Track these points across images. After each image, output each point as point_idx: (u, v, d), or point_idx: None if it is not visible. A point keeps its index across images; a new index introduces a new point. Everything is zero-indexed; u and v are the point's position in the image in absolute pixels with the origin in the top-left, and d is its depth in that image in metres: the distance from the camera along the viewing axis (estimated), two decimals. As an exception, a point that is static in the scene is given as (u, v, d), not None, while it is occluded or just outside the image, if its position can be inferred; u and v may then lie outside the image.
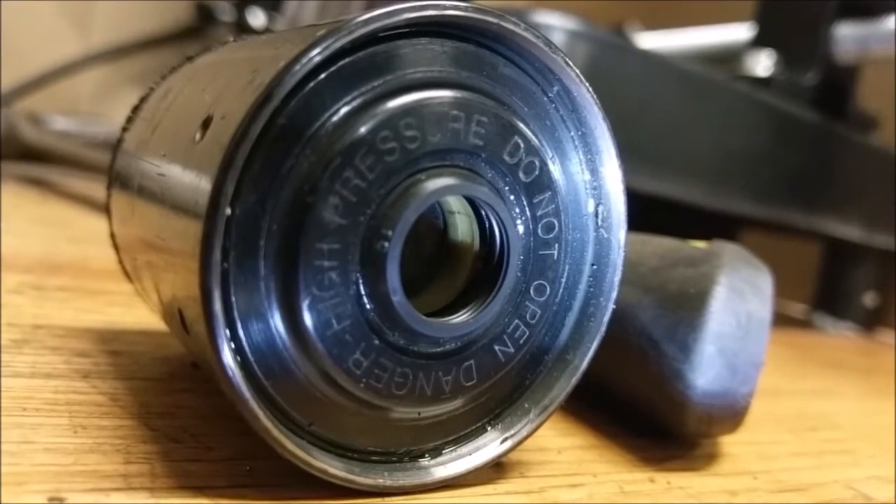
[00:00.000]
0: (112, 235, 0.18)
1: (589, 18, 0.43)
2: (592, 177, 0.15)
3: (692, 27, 0.56)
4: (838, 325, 0.54)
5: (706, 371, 0.17)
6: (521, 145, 0.13)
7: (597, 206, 0.15)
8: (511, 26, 0.13)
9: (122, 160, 0.16)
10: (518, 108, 0.13)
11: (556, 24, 0.34)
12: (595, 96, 0.14)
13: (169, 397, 0.15)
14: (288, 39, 0.13)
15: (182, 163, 0.12)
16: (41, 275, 0.24)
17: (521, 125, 0.13)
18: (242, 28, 0.82)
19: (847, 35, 0.45)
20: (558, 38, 0.34)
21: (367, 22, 0.11)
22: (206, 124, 0.12)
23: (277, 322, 0.12)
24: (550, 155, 0.14)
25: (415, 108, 0.12)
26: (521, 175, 0.13)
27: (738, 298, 0.17)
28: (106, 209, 0.18)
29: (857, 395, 0.32)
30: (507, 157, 0.13)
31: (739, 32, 0.51)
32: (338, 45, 0.11)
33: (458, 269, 0.14)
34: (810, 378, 0.34)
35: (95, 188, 0.50)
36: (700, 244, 0.19)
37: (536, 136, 0.13)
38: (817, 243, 0.56)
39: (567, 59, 0.13)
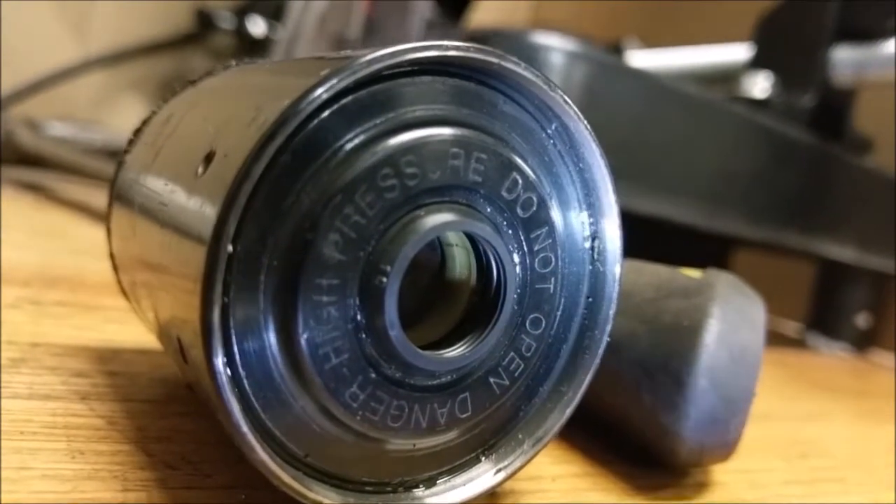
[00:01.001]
0: (111, 255, 0.18)
1: (587, 36, 0.44)
2: (589, 212, 0.15)
3: (690, 45, 0.57)
4: (831, 345, 0.54)
5: (699, 403, 0.17)
6: (520, 181, 0.13)
7: (593, 240, 0.15)
8: (511, 66, 0.13)
9: (123, 182, 0.16)
10: (517, 144, 0.14)
11: (555, 45, 0.34)
12: (593, 133, 0.14)
13: (166, 421, 0.15)
14: (291, 73, 0.13)
15: (184, 195, 0.12)
16: (39, 289, 0.24)
17: (520, 161, 0.13)
18: (242, 36, 0.82)
19: (844, 58, 0.46)
20: (557, 59, 0.34)
21: (371, 62, 0.11)
22: (208, 158, 0.12)
23: (276, 355, 0.12)
24: (548, 191, 0.14)
25: (416, 145, 0.12)
26: (519, 210, 0.13)
27: (731, 331, 0.17)
28: (106, 229, 0.18)
29: (849, 420, 0.33)
30: (505, 193, 0.13)
31: (737, 53, 0.51)
32: (342, 84, 0.11)
33: (454, 302, 0.14)
34: (802, 401, 0.34)
35: (92, 194, 0.50)
36: (694, 273, 0.20)
37: (535, 173, 0.14)
38: (811, 262, 0.57)
39: (566, 98, 0.14)
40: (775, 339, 0.55)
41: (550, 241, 0.14)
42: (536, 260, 0.14)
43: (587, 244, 0.15)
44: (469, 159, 0.13)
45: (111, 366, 0.18)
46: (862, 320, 0.56)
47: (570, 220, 0.15)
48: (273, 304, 0.11)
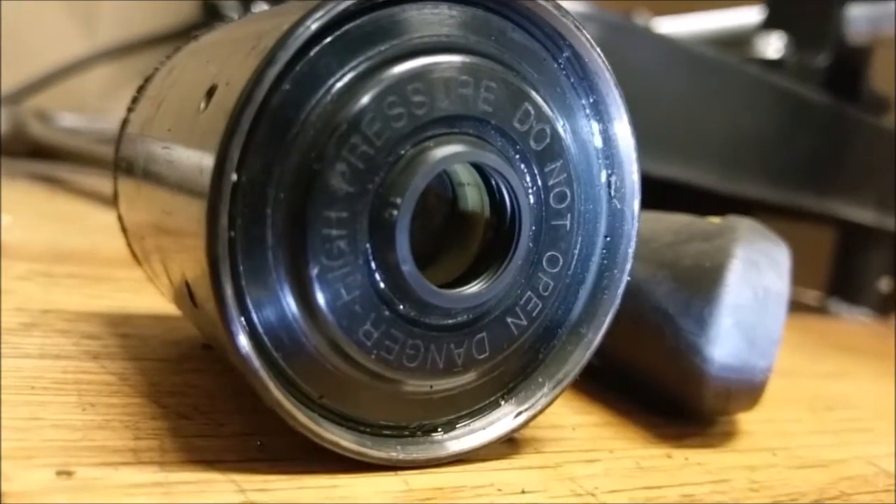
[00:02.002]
0: (120, 218, 0.18)
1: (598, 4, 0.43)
2: (605, 145, 0.14)
3: (701, 12, 0.56)
4: (853, 311, 0.54)
5: (723, 344, 0.16)
6: (532, 112, 0.13)
7: (609, 175, 0.14)
8: (520, -11, 0.12)
9: (127, 142, 0.16)
10: (528, 74, 0.13)
11: (565, 5, 0.33)
12: (606, 62, 0.14)
13: (179, 377, 0.15)
14: (292, 9, 0.13)
15: (187, 134, 0.12)
16: (50, 263, 0.24)
17: (532, 91, 0.13)
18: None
19: (859, 16, 0.45)
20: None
21: (373, -17, 0.11)
22: (210, 93, 0.12)
23: (286, 293, 0.11)
24: (561, 122, 0.14)
25: (422, 72, 0.12)
26: (532, 143, 0.13)
27: (755, 271, 0.17)
28: (113, 193, 0.18)
29: (873, 378, 0.32)
30: (517, 125, 0.13)
31: (750, 15, 0.50)
32: (340, 7, 0.11)
33: (468, 240, 0.14)
34: (826, 361, 0.33)
35: (104, 184, 0.50)
36: (715, 219, 0.19)
37: (547, 103, 0.13)
38: (831, 229, 0.56)
39: (577, 23, 0.13)
40: (796, 307, 0.54)
41: (565, 175, 0.13)
42: (551, 195, 0.13)
43: (603, 179, 0.14)
44: (479, 88, 0.12)
45: (123, 329, 0.18)
46: (884, 285, 0.55)
47: (585, 154, 0.14)
48: (281, 238, 0.11)
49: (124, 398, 0.14)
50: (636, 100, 0.37)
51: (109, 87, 0.82)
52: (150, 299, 0.21)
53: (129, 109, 0.17)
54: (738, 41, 0.50)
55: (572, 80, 0.14)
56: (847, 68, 0.46)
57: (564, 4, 0.34)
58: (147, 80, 0.17)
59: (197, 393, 0.14)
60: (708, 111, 0.38)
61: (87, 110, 0.76)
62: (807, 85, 0.43)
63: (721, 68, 0.39)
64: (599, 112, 0.14)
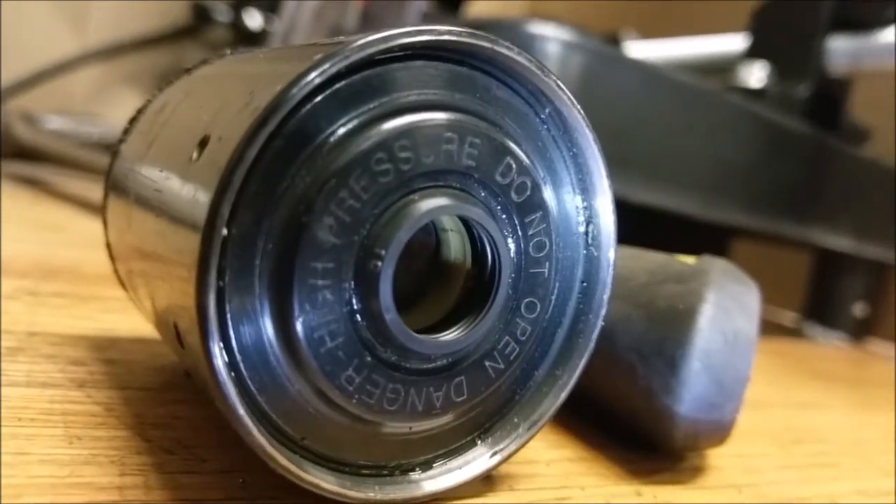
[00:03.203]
0: (108, 245, 0.18)
1: (584, 26, 0.44)
2: (583, 196, 0.15)
3: (687, 36, 0.57)
4: (828, 335, 0.55)
5: (693, 386, 0.17)
6: (514, 166, 0.13)
7: (587, 224, 0.15)
8: (504, 51, 0.13)
9: (119, 171, 0.17)
10: (510, 129, 0.14)
11: (551, 34, 0.34)
12: (586, 118, 0.14)
13: (163, 408, 0.16)
14: (285, 59, 0.13)
15: (179, 181, 0.12)
16: (36, 280, 0.24)
17: (514, 146, 0.13)
18: (239, 29, 0.82)
19: (840, 48, 0.46)
20: (553, 49, 0.34)
21: (363, 46, 0.11)
22: (202, 143, 0.12)
23: (272, 338, 0.12)
24: (542, 175, 0.14)
25: (409, 129, 0.12)
26: (513, 195, 0.14)
27: (725, 316, 0.17)
28: (102, 219, 0.18)
29: (845, 408, 0.33)
30: (499, 178, 0.13)
31: (733, 43, 0.51)
32: (334, 69, 0.11)
33: (449, 286, 0.14)
34: (799, 390, 0.34)
35: (89, 188, 0.50)
36: (689, 260, 0.20)
37: (528, 157, 0.14)
38: (808, 252, 0.57)
39: (559, 83, 0.14)
40: (772, 328, 0.56)
41: (545, 225, 0.14)
42: (531, 244, 0.14)
43: (581, 228, 0.15)
44: (463, 144, 0.13)
45: (108, 354, 0.18)
46: (858, 309, 0.56)
47: (564, 205, 0.15)
48: (268, 288, 0.12)
49: (110, 430, 0.14)
50: (620, 127, 0.38)
51: (97, 88, 0.82)
52: (135, 321, 0.21)
53: (121, 140, 0.17)
54: (721, 67, 0.51)
55: (553, 133, 0.14)
56: (827, 99, 0.47)
57: (553, 31, 0.34)
58: (139, 111, 0.18)
59: (180, 425, 0.15)
60: (690, 139, 0.39)
61: (73, 111, 0.76)
62: (788, 114, 0.44)
63: (704, 97, 0.40)
64: (578, 164, 0.15)
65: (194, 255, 0.11)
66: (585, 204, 0.15)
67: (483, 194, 0.13)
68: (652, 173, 0.38)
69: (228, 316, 0.11)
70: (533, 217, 0.14)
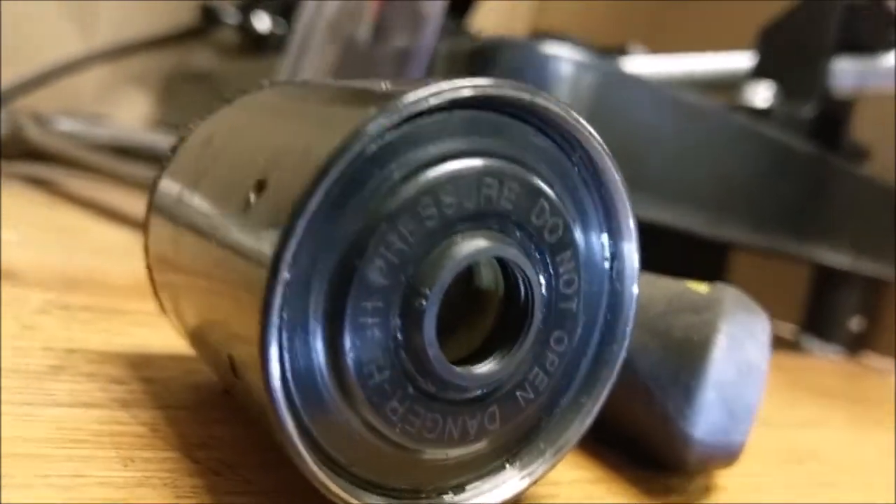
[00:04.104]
0: (147, 262, 0.19)
1: (591, 40, 0.44)
2: (609, 234, 0.16)
3: (693, 49, 0.57)
4: (825, 348, 0.56)
5: (706, 414, 0.18)
6: (547, 208, 0.14)
7: (612, 260, 0.16)
8: (542, 101, 0.14)
9: (164, 198, 0.17)
10: (545, 172, 0.14)
11: (564, 55, 0.35)
12: (615, 162, 0.15)
13: (205, 428, 0.16)
14: (337, 103, 0.14)
15: (237, 222, 0.13)
16: (64, 292, 0.25)
17: (547, 189, 0.14)
18: (247, 31, 0.82)
19: (844, 70, 0.47)
20: (566, 69, 0.35)
21: (416, 103, 0.12)
22: (260, 187, 0.13)
23: (324, 372, 0.13)
24: (573, 215, 0.15)
25: (453, 176, 0.13)
26: (547, 235, 0.14)
27: (737, 347, 0.18)
28: (144, 233, 0.18)
29: (843, 426, 0.34)
30: (534, 219, 0.14)
31: (740, 61, 0.52)
32: (388, 123, 0.12)
33: (483, 318, 0.15)
34: (800, 407, 0.35)
35: (102, 190, 0.51)
36: (702, 288, 0.21)
37: (561, 199, 0.14)
38: (807, 266, 0.58)
39: (591, 131, 0.14)
40: (773, 341, 0.56)
41: (574, 263, 0.15)
42: (561, 281, 0.15)
43: (607, 264, 0.16)
44: (501, 188, 0.13)
45: (146, 372, 0.19)
46: (855, 324, 0.57)
47: (591, 242, 0.15)
48: (322, 326, 0.12)
49: (158, 451, 0.15)
50: (629, 145, 0.39)
51: (105, 88, 0.82)
52: (165, 336, 0.22)
53: (163, 167, 0.18)
54: (728, 84, 0.52)
55: (584, 176, 0.15)
56: (831, 119, 0.48)
57: (567, 52, 0.35)
58: (181, 139, 0.18)
59: (223, 445, 0.16)
60: (696, 158, 0.40)
61: (80, 112, 0.76)
62: (792, 134, 0.45)
63: (710, 117, 0.41)
64: (606, 204, 0.15)
65: (258, 299, 0.11)
66: (611, 241, 0.16)
67: (519, 235, 0.14)
68: (658, 191, 0.39)
69: (286, 352, 0.12)
70: (563, 255, 0.15)
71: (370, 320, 0.12)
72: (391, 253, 0.12)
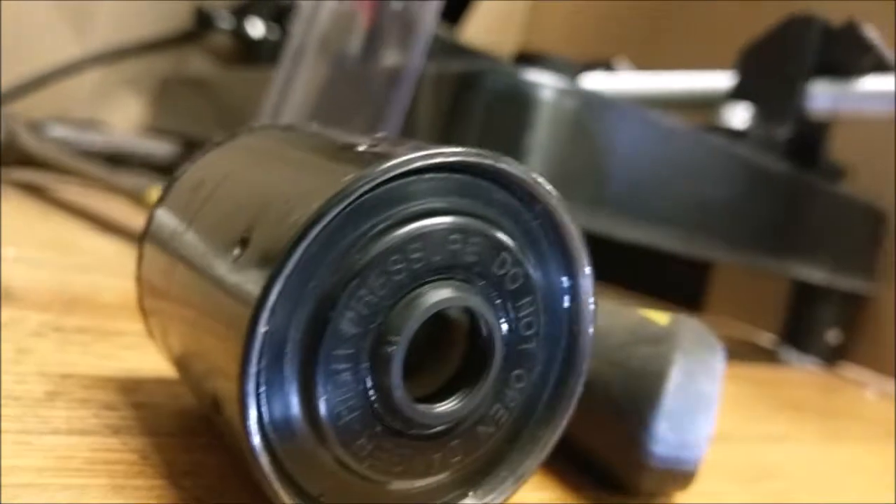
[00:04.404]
0: (138, 280, 0.20)
1: (582, 50, 0.46)
2: (568, 279, 0.17)
3: (678, 67, 0.59)
4: (803, 359, 0.57)
5: (661, 442, 0.19)
6: (508, 259, 0.15)
7: (571, 303, 0.17)
8: (505, 166, 0.15)
9: (158, 233, 0.18)
10: (507, 225, 0.16)
11: (547, 82, 0.36)
12: (571, 214, 0.16)
13: (191, 455, 0.17)
14: (318, 163, 0.15)
15: (221, 273, 0.14)
16: (59, 313, 0.26)
17: (509, 241, 0.15)
18: (240, 37, 0.83)
19: (821, 93, 0.48)
20: (547, 95, 0.36)
21: (388, 170, 0.13)
22: (244, 242, 0.14)
23: (297, 414, 0.14)
24: (533, 263, 0.16)
25: (421, 234, 0.14)
26: (508, 283, 0.16)
27: (691, 380, 0.19)
28: (138, 256, 0.19)
29: (812, 441, 0.35)
30: (496, 269, 0.15)
31: (719, 81, 0.53)
32: (362, 190, 0.13)
33: (447, 359, 0.16)
34: (766, 421, 0.37)
35: (94, 198, 0.52)
36: (662, 320, 0.22)
37: (522, 250, 0.16)
38: (786, 279, 0.59)
39: (549, 189, 0.16)
40: (750, 351, 0.58)
41: (534, 307, 0.16)
42: (521, 324, 0.16)
43: (566, 305, 0.17)
44: (466, 243, 0.15)
45: (136, 397, 0.20)
46: (832, 336, 0.58)
47: (552, 286, 0.17)
48: (296, 372, 0.14)
49: (148, 479, 0.16)
50: (609, 167, 0.40)
51: (98, 91, 0.83)
52: (154, 360, 0.23)
53: (158, 204, 0.19)
54: (707, 104, 0.53)
55: (543, 226, 0.16)
56: (807, 140, 0.50)
57: (549, 80, 0.36)
58: (174, 179, 0.19)
59: (209, 473, 0.17)
60: (675, 179, 0.41)
61: (74, 116, 0.77)
62: (769, 155, 0.47)
63: (689, 139, 0.42)
64: (564, 251, 0.17)
65: (238, 347, 0.13)
66: (570, 284, 0.17)
67: (482, 283, 0.15)
68: (638, 211, 0.40)
69: (263, 394, 0.13)
70: (524, 301, 0.16)
71: (341, 366, 0.14)
72: (361, 305, 0.14)
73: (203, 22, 0.84)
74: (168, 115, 0.80)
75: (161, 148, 0.69)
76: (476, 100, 0.37)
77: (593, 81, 0.63)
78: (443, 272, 0.15)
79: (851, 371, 0.58)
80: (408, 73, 0.41)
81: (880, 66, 0.47)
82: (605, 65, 0.66)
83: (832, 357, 0.58)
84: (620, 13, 0.85)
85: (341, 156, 0.15)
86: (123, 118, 0.83)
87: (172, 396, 0.21)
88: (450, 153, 0.14)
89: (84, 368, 0.21)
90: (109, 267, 0.37)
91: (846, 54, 0.48)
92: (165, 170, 0.70)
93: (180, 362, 0.18)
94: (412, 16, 0.43)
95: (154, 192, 0.40)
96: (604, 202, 0.38)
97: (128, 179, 0.45)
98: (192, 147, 0.68)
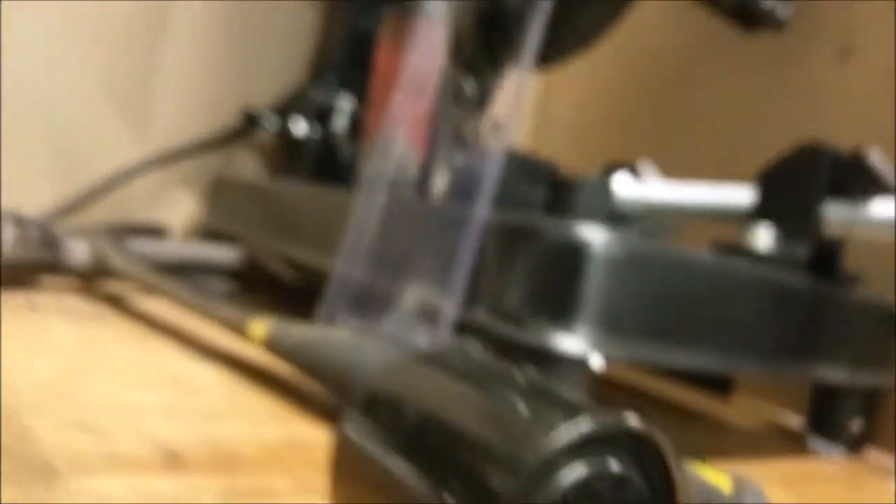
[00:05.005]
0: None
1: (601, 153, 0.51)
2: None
3: (701, 179, 0.64)
4: (829, 448, 0.61)
5: None
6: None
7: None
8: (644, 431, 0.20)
9: (359, 451, 0.23)
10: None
11: (597, 238, 0.42)
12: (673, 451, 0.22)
13: None
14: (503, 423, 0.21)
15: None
16: (227, 476, 0.28)
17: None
18: (285, 136, 0.89)
19: (835, 215, 0.53)
20: (598, 248, 0.41)
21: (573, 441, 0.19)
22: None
23: None
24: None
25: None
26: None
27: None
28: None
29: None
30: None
31: (743, 196, 0.58)
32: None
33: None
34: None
35: (174, 311, 0.53)
36: (725, 486, 0.27)
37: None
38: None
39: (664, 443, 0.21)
40: (779, 440, 0.62)
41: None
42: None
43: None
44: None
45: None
46: (856, 425, 0.63)
47: None
48: None
49: None
50: (655, 303, 0.45)
51: (154, 195, 0.87)
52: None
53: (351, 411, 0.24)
54: (733, 217, 0.59)
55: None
56: (825, 255, 0.55)
57: (599, 236, 0.42)
58: (373, 397, 0.25)
59: None
60: (711, 307, 0.47)
61: (133, 219, 0.81)
62: (793, 273, 0.52)
63: (722, 271, 0.47)
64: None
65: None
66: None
67: None
68: (680, 339, 0.45)
69: None
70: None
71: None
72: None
73: (250, 122, 0.91)
74: (220, 216, 0.85)
75: (227, 255, 0.74)
76: (530, 254, 0.43)
77: (621, 186, 0.69)
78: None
79: (876, 456, 0.62)
80: (475, 220, 0.46)
81: (885, 191, 0.52)
82: (631, 168, 0.72)
83: (856, 445, 0.62)
84: (629, 112, 0.91)
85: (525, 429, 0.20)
86: (178, 218, 0.88)
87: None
88: (613, 421, 0.19)
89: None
90: (234, 408, 0.39)
91: (855, 181, 0.53)
92: (232, 275, 0.75)
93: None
94: (479, 166, 0.49)
95: (256, 328, 0.43)
96: (649, 334, 0.44)
97: (226, 310, 0.48)
98: (251, 250, 0.74)
